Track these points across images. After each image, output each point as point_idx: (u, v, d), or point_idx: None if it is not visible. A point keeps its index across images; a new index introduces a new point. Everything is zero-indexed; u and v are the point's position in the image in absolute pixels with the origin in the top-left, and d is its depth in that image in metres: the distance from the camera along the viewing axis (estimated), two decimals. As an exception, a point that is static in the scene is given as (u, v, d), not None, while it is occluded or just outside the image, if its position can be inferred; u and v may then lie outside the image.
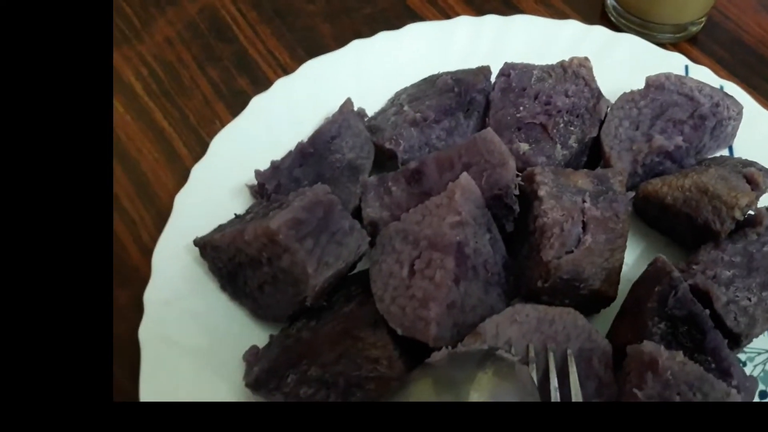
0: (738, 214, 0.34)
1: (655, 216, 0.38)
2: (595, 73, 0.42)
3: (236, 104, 0.43)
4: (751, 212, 0.35)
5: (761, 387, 0.33)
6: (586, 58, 0.41)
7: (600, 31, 0.45)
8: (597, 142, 0.39)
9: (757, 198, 0.35)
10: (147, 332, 0.32)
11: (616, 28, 0.49)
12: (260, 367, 0.30)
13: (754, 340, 0.34)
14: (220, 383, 0.32)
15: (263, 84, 0.44)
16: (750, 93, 0.45)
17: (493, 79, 0.41)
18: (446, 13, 0.49)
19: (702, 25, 0.50)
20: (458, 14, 0.48)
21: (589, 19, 0.50)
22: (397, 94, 0.41)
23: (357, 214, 0.35)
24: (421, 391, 0.28)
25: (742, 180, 0.35)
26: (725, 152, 0.41)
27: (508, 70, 0.40)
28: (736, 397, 0.28)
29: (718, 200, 0.34)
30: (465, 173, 0.33)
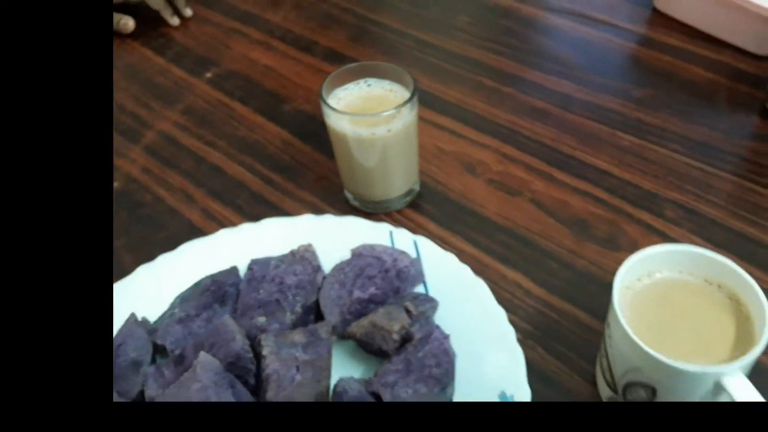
0: (396, 337, 0.50)
1: (363, 349, 0.53)
2: (327, 250, 0.59)
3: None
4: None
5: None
6: (310, 245, 0.58)
7: (327, 219, 0.62)
8: (317, 303, 0.55)
9: (412, 321, 0.51)
10: None
11: (357, 209, 0.67)
12: None
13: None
14: None
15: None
16: (450, 239, 0.64)
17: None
18: (222, 224, 0.66)
19: (417, 192, 0.69)
20: (234, 223, 0.66)
21: (337, 206, 0.68)
22: (175, 299, 0.57)
23: (142, 396, 0.49)
24: None
25: (402, 312, 0.52)
26: (421, 288, 0.58)
27: (252, 264, 0.57)
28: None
29: (383, 330, 0.50)
30: (202, 352, 0.48)
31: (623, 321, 0.44)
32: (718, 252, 0.47)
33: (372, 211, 0.67)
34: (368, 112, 0.59)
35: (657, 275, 0.49)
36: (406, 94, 0.60)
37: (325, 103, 0.59)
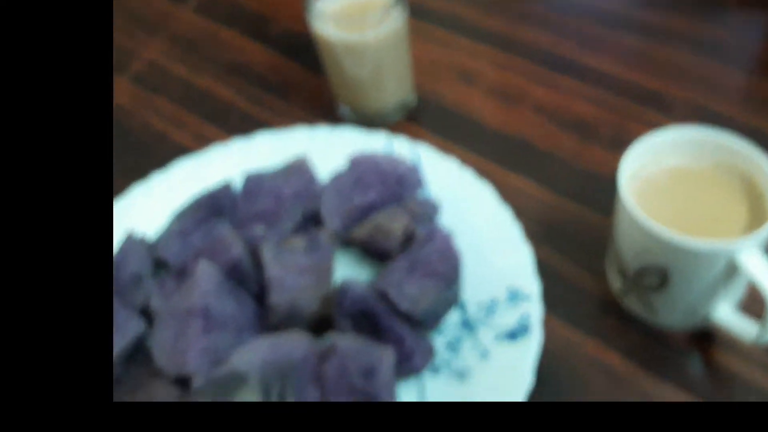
0: (398, 235, 0.48)
1: (365, 252, 0.52)
2: (321, 159, 0.58)
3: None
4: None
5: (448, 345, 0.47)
6: (303, 157, 0.56)
7: (321, 131, 0.61)
8: (317, 214, 0.54)
9: (414, 221, 0.50)
10: None
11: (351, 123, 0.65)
12: None
13: (443, 320, 0.48)
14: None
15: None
16: (450, 148, 0.62)
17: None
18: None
19: (415, 103, 0.67)
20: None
21: (332, 120, 0.66)
22: (173, 215, 0.56)
23: (146, 309, 0.49)
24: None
25: (404, 213, 0.50)
26: (424, 194, 0.57)
27: (247, 178, 0.56)
28: (389, 354, 0.41)
29: (384, 229, 0.49)
30: (202, 260, 0.47)
31: (630, 204, 0.42)
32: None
33: (369, 124, 0.64)
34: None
35: (664, 162, 0.47)
36: (395, -1, 0.57)
37: (311, 9, 0.57)
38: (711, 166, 0.46)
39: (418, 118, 0.66)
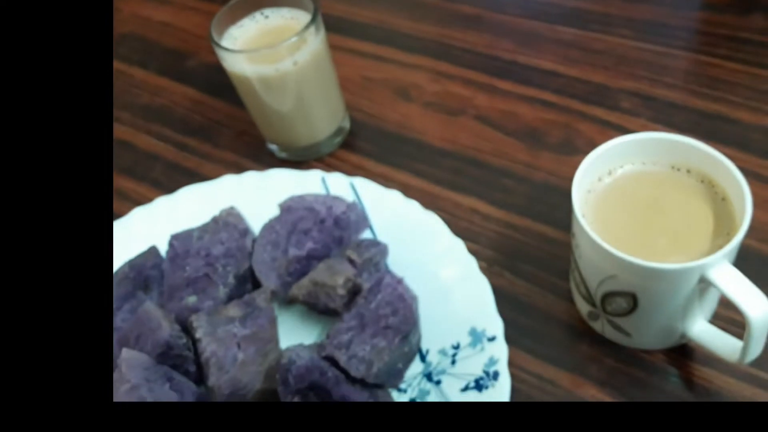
0: (341, 291, 0.44)
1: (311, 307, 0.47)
2: (254, 209, 0.52)
3: None
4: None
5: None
6: (232, 207, 0.51)
7: (250, 175, 0.55)
8: (251, 271, 0.49)
9: (357, 271, 0.45)
10: None
11: (285, 161, 0.60)
12: None
13: (404, 374, 0.44)
14: None
15: None
16: (392, 176, 0.57)
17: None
18: (141, 201, 0.58)
19: (347, 130, 0.62)
20: (151, 200, 0.57)
21: (261, 160, 0.61)
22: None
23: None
24: None
25: (344, 262, 0.46)
26: (368, 234, 0.52)
27: (172, 240, 0.50)
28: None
29: (326, 287, 0.44)
30: (125, 348, 0.42)
31: (587, 228, 0.38)
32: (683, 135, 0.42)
33: (302, 159, 0.60)
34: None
35: (618, 171, 0.43)
36: (309, 19, 0.53)
37: (217, 45, 0.51)
38: (669, 170, 0.43)
39: (354, 145, 0.61)
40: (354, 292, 0.44)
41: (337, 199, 0.50)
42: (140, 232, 0.53)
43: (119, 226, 0.53)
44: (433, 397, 0.42)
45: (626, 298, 0.40)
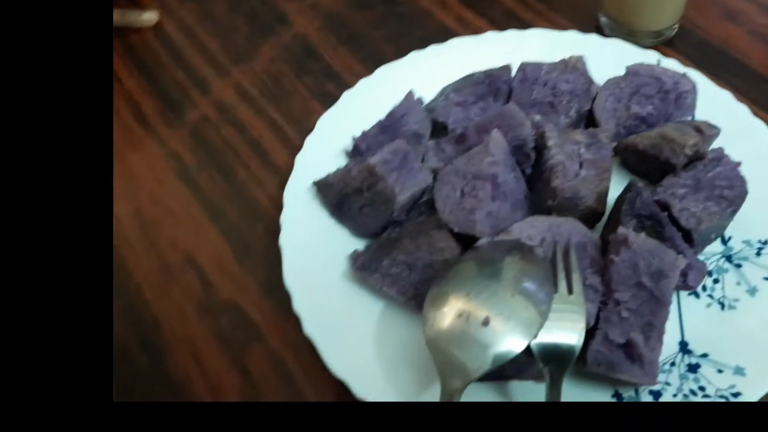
0: (688, 151, 0.48)
1: (634, 163, 0.52)
2: (590, 67, 0.57)
3: (327, 102, 0.59)
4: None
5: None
6: (581, 56, 0.56)
7: (593, 38, 0.60)
8: (591, 113, 0.54)
9: (702, 141, 0.49)
10: (286, 240, 0.48)
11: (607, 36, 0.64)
12: (364, 257, 0.46)
13: (708, 246, 0.49)
14: (334, 271, 0.47)
15: (346, 86, 0.60)
16: (711, 78, 0.60)
17: (513, 74, 0.57)
18: (476, 32, 0.65)
19: (675, 31, 0.65)
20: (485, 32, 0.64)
21: (586, 30, 0.65)
22: (445, 88, 0.57)
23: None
24: (468, 266, 0.43)
25: (692, 130, 0.50)
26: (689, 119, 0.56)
27: (524, 66, 0.56)
28: (683, 261, 0.42)
29: (674, 142, 0.49)
30: (496, 129, 0.48)
31: None
32: None
33: (627, 41, 0.63)
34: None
35: None
36: None
37: None
38: None
39: (676, 45, 0.64)
40: (696, 158, 0.48)
41: (684, 77, 0.54)
42: (491, 51, 0.59)
43: (474, 42, 0.60)
44: (730, 276, 0.47)
45: None
